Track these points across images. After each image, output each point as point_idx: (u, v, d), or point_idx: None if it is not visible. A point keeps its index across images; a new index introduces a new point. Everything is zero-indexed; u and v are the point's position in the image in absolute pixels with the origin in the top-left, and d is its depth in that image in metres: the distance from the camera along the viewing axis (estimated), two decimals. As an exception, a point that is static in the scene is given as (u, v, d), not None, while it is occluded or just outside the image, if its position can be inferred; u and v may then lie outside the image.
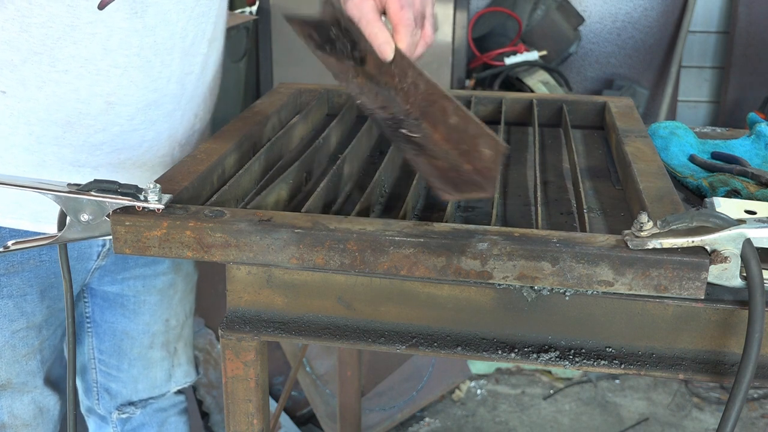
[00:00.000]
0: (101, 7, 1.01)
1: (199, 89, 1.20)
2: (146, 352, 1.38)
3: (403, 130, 1.02)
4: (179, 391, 1.47)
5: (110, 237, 0.87)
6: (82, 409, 1.47)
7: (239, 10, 3.24)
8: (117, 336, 1.36)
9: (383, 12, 1.03)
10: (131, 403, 1.41)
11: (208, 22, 1.16)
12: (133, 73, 1.08)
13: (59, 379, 1.30)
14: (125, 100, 1.09)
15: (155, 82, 1.11)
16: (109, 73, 1.07)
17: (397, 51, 1.01)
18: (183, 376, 1.45)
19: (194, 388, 2.37)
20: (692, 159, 1.19)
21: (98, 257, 1.25)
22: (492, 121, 1.35)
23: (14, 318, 1.16)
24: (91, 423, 1.47)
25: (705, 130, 1.37)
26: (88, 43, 1.04)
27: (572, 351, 0.88)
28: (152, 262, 1.31)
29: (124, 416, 1.41)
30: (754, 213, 0.96)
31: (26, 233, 1.11)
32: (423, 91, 1.02)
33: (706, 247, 0.79)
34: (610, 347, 0.88)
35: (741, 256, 0.79)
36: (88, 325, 1.37)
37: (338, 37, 1.13)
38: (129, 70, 1.08)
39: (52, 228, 0.89)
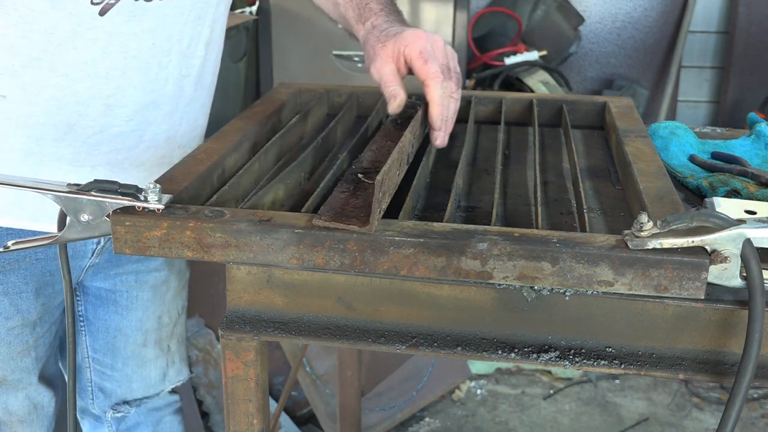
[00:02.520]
0: (102, 12, 1.03)
1: (197, 92, 1.21)
2: (140, 350, 1.39)
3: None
4: (173, 391, 1.48)
5: (110, 236, 0.87)
6: (77, 411, 1.47)
7: (239, 10, 3.24)
8: (110, 333, 1.37)
9: (409, 72, 1.08)
10: (126, 402, 1.42)
11: (204, 25, 1.17)
12: (131, 75, 1.10)
13: (53, 376, 1.31)
14: (123, 102, 1.10)
15: (152, 83, 1.12)
16: (108, 76, 1.08)
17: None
18: (176, 375, 1.46)
19: (194, 388, 2.37)
20: (692, 159, 1.19)
21: (93, 255, 1.26)
22: (492, 121, 1.35)
23: (9, 315, 1.17)
24: (86, 424, 1.47)
25: (705, 130, 1.37)
26: (88, 47, 1.05)
27: (572, 351, 0.88)
28: (145, 258, 1.32)
29: (118, 415, 1.42)
30: (754, 213, 0.96)
31: (25, 233, 1.11)
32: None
33: (706, 247, 0.79)
34: (610, 347, 0.88)
35: (741, 256, 0.78)
36: (81, 323, 1.38)
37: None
38: (127, 72, 1.09)
39: (51, 227, 0.89)
